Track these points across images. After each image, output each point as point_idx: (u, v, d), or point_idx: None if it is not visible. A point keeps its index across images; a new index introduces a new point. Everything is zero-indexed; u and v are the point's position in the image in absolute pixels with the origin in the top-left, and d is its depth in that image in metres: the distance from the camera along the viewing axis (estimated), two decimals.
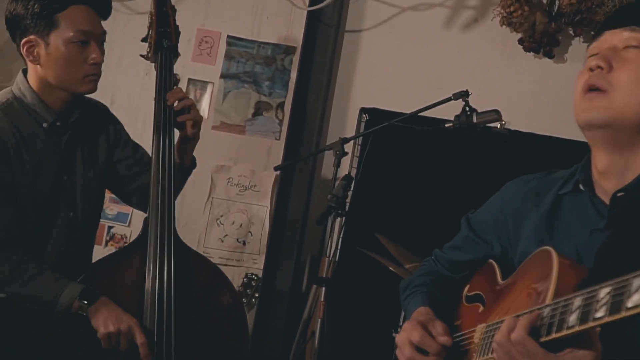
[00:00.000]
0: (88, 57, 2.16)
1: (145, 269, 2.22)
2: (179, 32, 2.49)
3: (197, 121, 2.38)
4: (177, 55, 2.47)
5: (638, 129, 1.30)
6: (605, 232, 1.32)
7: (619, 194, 1.32)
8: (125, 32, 3.44)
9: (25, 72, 2.23)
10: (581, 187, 1.41)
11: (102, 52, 2.22)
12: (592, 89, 1.32)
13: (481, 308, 1.50)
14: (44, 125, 2.20)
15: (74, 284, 2.12)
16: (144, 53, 2.48)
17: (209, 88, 3.51)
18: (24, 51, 2.16)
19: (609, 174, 1.35)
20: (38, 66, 2.16)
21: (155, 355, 2.17)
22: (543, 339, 1.14)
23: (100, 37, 2.21)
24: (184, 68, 3.48)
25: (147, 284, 2.21)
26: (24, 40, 2.14)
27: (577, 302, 1.07)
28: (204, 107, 3.50)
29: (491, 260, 1.59)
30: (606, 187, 1.36)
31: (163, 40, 2.42)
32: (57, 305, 2.08)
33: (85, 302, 2.09)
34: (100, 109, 2.47)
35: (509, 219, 1.57)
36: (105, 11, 2.25)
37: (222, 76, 3.52)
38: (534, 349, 1.15)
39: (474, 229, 1.68)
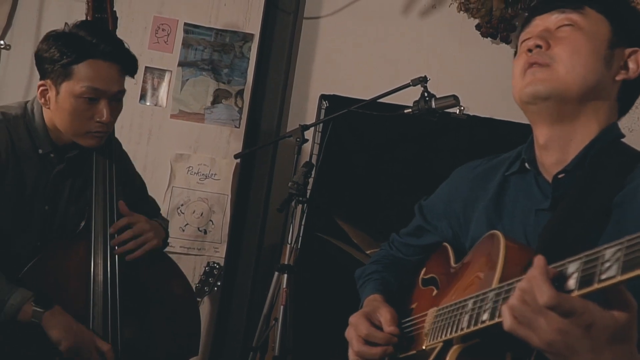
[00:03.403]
0: (95, 114, 2.09)
1: (91, 259, 2.19)
2: (117, 18, 2.40)
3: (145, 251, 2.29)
4: None
5: (579, 101, 1.33)
6: (550, 212, 1.33)
7: (559, 176, 1.34)
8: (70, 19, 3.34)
9: None
10: (527, 165, 1.43)
11: (116, 110, 2.14)
12: (534, 65, 1.36)
13: (435, 291, 1.50)
14: (40, 151, 2.15)
15: (25, 289, 2.04)
16: None
17: (167, 76, 3.47)
18: (38, 92, 2.10)
19: (550, 147, 1.37)
20: (48, 109, 2.12)
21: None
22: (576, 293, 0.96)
23: (115, 96, 2.11)
24: (141, 56, 3.38)
25: (92, 274, 2.18)
26: (39, 83, 2.09)
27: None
28: (162, 96, 3.46)
29: (445, 244, 1.59)
30: (548, 162, 1.38)
31: None
32: (6, 306, 1.99)
33: (40, 309, 2.02)
34: (113, 146, 2.35)
35: (459, 205, 1.58)
36: (129, 67, 2.16)
37: (180, 64, 3.48)
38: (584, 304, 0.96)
39: (425, 217, 1.70)
